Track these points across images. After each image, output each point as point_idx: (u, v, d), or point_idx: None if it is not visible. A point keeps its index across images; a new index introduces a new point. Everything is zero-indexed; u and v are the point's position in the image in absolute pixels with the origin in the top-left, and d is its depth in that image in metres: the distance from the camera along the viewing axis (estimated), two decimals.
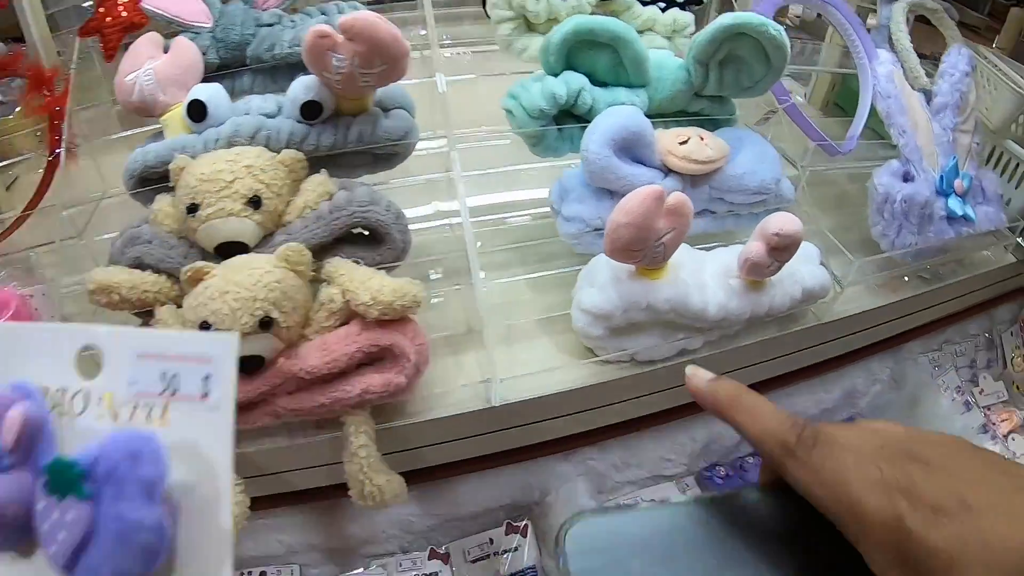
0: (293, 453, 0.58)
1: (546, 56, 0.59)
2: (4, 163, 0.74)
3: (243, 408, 0.54)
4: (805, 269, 0.61)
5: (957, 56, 0.75)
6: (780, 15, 1.13)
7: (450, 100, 0.62)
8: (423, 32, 0.69)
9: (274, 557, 0.67)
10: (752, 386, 0.57)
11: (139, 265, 0.56)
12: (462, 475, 0.65)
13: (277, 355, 0.52)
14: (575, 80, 0.58)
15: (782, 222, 0.52)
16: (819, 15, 1.07)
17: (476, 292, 0.55)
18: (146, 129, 0.63)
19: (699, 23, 0.69)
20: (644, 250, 0.50)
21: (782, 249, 0.53)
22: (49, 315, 0.60)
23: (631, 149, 0.57)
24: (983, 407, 0.83)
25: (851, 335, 0.71)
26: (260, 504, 0.63)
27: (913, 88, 0.75)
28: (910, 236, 0.68)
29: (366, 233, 0.56)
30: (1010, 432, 0.82)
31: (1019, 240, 0.80)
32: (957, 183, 0.72)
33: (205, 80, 0.62)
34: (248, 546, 0.66)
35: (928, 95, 0.75)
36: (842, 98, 0.97)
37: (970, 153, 0.75)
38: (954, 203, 0.71)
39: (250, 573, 0.67)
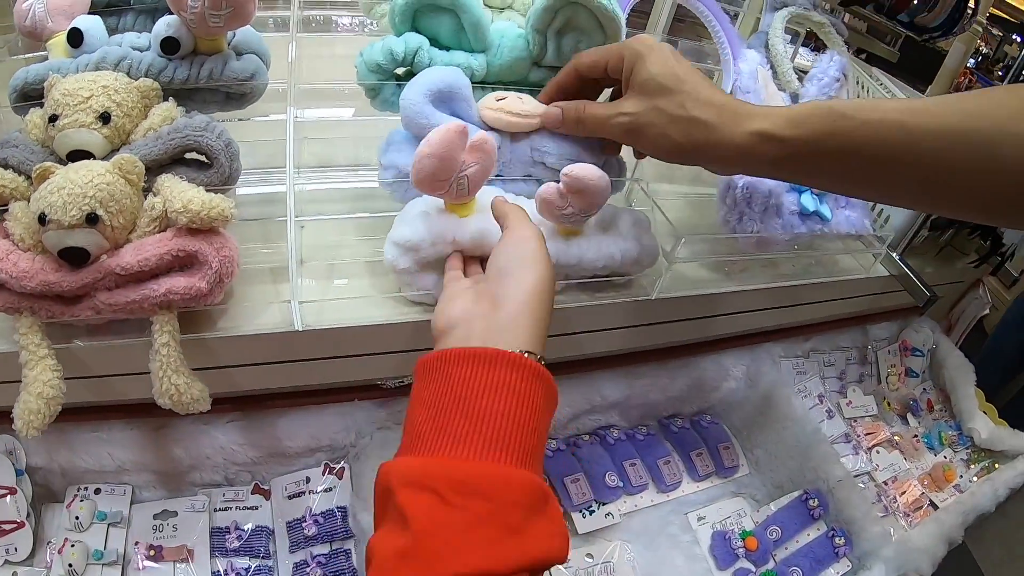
0: (118, 353, 0.64)
1: (392, 18, 0.67)
2: None
3: (68, 301, 0.62)
4: (629, 232, 0.65)
5: (829, 62, 0.81)
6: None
7: (312, 62, 0.70)
8: None
9: (108, 473, 0.74)
10: (592, 361, 0.61)
11: (4, 165, 0.64)
12: (283, 408, 0.71)
13: (101, 252, 0.59)
14: (413, 40, 0.66)
15: (578, 166, 0.58)
16: None
17: (288, 225, 0.61)
18: (38, 54, 0.72)
19: None
20: (448, 180, 0.56)
21: (575, 192, 0.59)
22: None
23: (449, 103, 0.64)
24: (849, 418, 0.85)
25: (693, 320, 0.75)
26: (94, 415, 0.69)
27: (785, 91, 0.81)
28: (752, 224, 0.73)
29: (202, 159, 0.63)
30: (875, 445, 0.84)
31: (893, 255, 0.84)
32: None
33: (93, 14, 0.71)
34: (83, 459, 0.73)
35: (798, 100, 0.81)
36: None
37: None
38: (807, 199, 0.76)
39: (86, 489, 0.73)
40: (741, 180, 0.73)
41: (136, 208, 0.62)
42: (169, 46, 0.66)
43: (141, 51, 0.68)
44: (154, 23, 0.73)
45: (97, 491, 0.73)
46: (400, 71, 0.69)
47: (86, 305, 0.62)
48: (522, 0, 0.74)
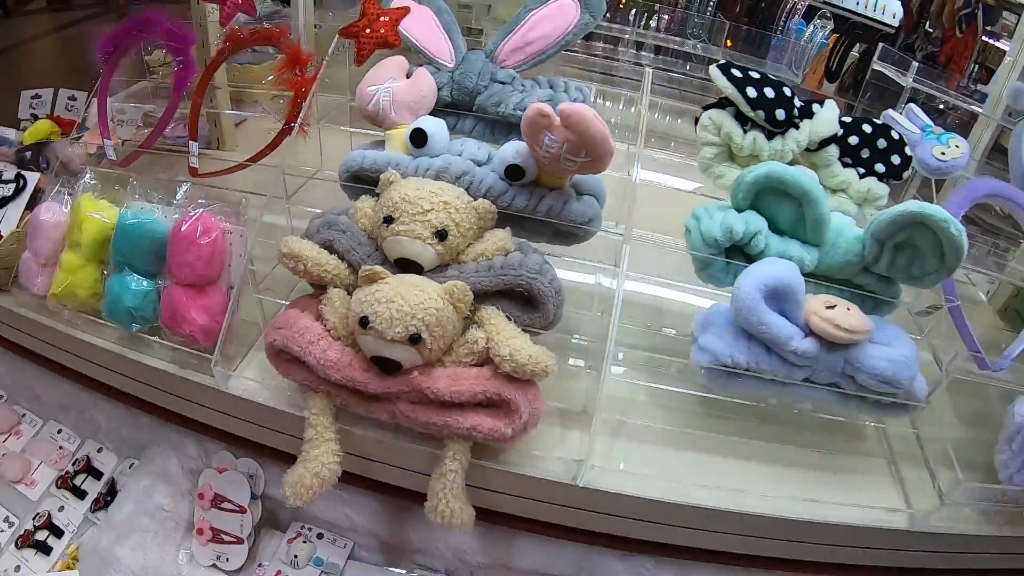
0: (392, 450, 0.66)
1: (735, 191, 0.64)
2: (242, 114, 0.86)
3: (367, 399, 0.63)
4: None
5: None
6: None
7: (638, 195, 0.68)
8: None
9: (336, 526, 0.76)
10: None
11: (328, 247, 0.65)
12: (528, 532, 0.70)
13: (413, 367, 0.60)
14: (755, 222, 0.63)
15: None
16: None
17: (602, 382, 0.60)
18: (371, 133, 0.72)
19: (895, 197, 0.71)
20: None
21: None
22: (238, 254, 0.71)
23: (779, 301, 0.60)
24: None
25: (931, 553, 0.70)
26: (344, 479, 0.70)
27: None
28: None
29: (525, 294, 0.62)
30: None
31: None
32: None
33: (434, 112, 0.70)
34: (319, 508, 0.75)
35: None
36: None
37: None
38: None
39: (309, 530, 0.76)
40: None
41: (456, 333, 0.61)
42: (514, 173, 0.65)
43: (479, 164, 0.67)
44: (492, 134, 0.73)
45: (320, 536, 0.76)
46: None
47: (383, 407, 0.63)
48: (858, 188, 0.69)
